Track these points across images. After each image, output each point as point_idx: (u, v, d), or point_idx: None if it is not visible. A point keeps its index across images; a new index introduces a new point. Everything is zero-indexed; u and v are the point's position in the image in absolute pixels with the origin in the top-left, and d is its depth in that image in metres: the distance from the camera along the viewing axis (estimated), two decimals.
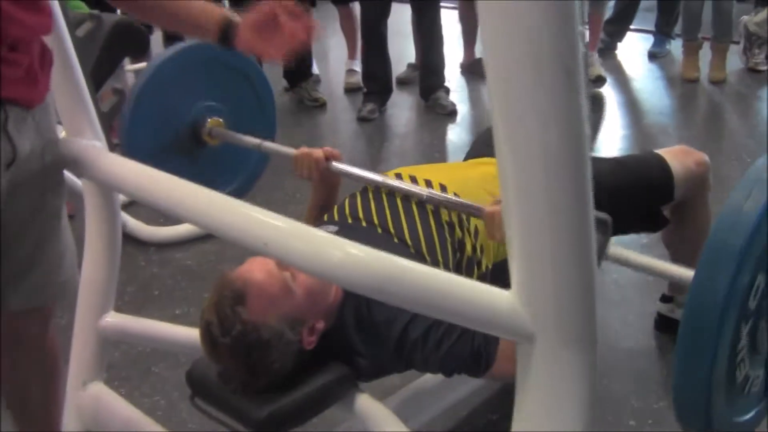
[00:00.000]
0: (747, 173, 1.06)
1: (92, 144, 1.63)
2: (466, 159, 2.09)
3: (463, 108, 4.44)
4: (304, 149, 1.80)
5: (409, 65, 5.02)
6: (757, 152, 3.59)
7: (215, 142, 2.08)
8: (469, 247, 1.64)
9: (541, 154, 0.88)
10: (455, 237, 1.62)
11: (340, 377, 1.48)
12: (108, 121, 1.74)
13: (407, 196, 1.67)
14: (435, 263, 1.55)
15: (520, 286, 1.00)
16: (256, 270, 1.41)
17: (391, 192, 1.70)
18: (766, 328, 1.15)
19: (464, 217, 1.64)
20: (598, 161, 1.97)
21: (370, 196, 1.70)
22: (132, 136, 1.97)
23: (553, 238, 0.94)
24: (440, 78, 4.48)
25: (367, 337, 1.48)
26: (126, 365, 2.25)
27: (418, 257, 1.54)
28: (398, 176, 1.74)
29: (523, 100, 0.86)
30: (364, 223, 1.63)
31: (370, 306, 1.47)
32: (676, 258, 2.23)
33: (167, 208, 1.30)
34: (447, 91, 4.48)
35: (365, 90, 4.47)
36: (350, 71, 4.92)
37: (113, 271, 1.79)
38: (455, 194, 1.65)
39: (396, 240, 1.59)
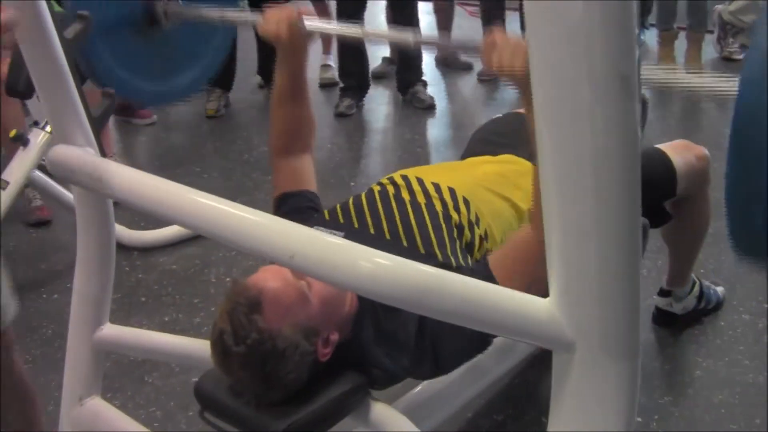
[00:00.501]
0: None
1: (84, 150, 1.57)
2: (463, 157, 2.05)
3: (441, 102, 4.41)
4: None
5: (384, 59, 4.98)
6: None
7: (170, 21, 1.90)
8: (477, 249, 1.60)
9: (592, 161, 0.84)
10: (464, 239, 1.58)
11: (355, 387, 1.43)
12: (99, 126, 1.66)
13: (414, 198, 1.63)
14: (446, 260, 1.50)
15: (560, 293, 0.97)
16: (271, 278, 1.36)
17: (397, 192, 1.65)
18: None
19: (473, 219, 1.60)
20: None
21: (377, 197, 1.65)
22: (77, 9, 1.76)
23: (600, 245, 0.90)
24: (418, 72, 4.44)
25: (387, 349, 1.44)
26: (118, 375, 2.18)
27: (430, 258, 1.49)
28: (404, 177, 1.70)
29: (573, 104, 0.82)
30: (372, 230, 1.58)
31: (385, 315, 1.43)
32: (676, 254, 2.22)
33: (178, 220, 1.24)
34: (425, 84, 4.44)
35: (342, 85, 4.42)
36: (325, 66, 4.87)
37: (108, 281, 1.73)
38: (465, 198, 1.62)
39: (405, 244, 1.55)
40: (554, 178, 0.90)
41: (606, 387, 1.01)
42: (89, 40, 1.78)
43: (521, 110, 1.70)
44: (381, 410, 1.46)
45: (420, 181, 1.66)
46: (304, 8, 1.63)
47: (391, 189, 1.66)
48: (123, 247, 2.90)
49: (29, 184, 2.82)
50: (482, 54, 1.30)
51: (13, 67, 2.36)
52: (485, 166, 1.83)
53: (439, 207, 1.60)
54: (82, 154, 1.54)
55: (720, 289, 2.39)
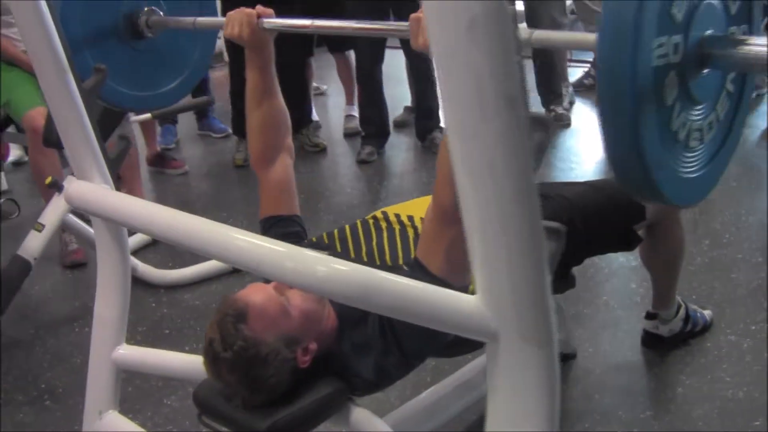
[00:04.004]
0: None
1: (100, 186, 1.77)
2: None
3: None
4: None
5: (406, 108, 5.18)
6: None
7: (152, 31, 2.15)
8: None
9: (488, 173, 1.01)
10: None
11: (335, 391, 1.59)
12: (115, 167, 1.88)
13: (390, 226, 1.82)
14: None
15: (483, 290, 1.12)
16: (256, 293, 1.55)
17: (377, 223, 1.85)
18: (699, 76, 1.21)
19: None
20: (570, 186, 2.11)
21: (359, 227, 1.85)
22: (64, 21, 1.93)
23: (508, 246, 1.06)
24: (435, 119, 4.63)
25: (362, 358, 1.60)
26: (139, 399, 2.37)
27: (395, 270, 1.66)
28: (384, 213, 1.90)
29: (469, 123, 0.99)
30: (353, 254, 1.77)
31: (354, 330, 1.62)
32: (656, 277, 2.35)
33: (171, 239, 1.43)
34: (442, 131, 4.63)
35: (363, 133, 4.63)
36: (349, 116, 5.08)
37: (125, 305, 1.92)
38: None
39: (378, 262, 1.73)
40: (465, 189, 1.07)
41: (528, 371, 1.15)
42: (77, 52, 2.02)
43: None
44: (360, 414, 1.62)
45: (396, 215, 1.87)
46: (260, 8, 1.78)
47: (371, 221, 1.88)
48: (150, 286, 3.12)
49: (64, 227, 3.06)
50: (411, 36, 1.46)
51: (48, 120, 2.62)
52: None
53: (411, 233, 1.80)
54: (98, 188, 1.75)
55: (708, 313, 2.50)
